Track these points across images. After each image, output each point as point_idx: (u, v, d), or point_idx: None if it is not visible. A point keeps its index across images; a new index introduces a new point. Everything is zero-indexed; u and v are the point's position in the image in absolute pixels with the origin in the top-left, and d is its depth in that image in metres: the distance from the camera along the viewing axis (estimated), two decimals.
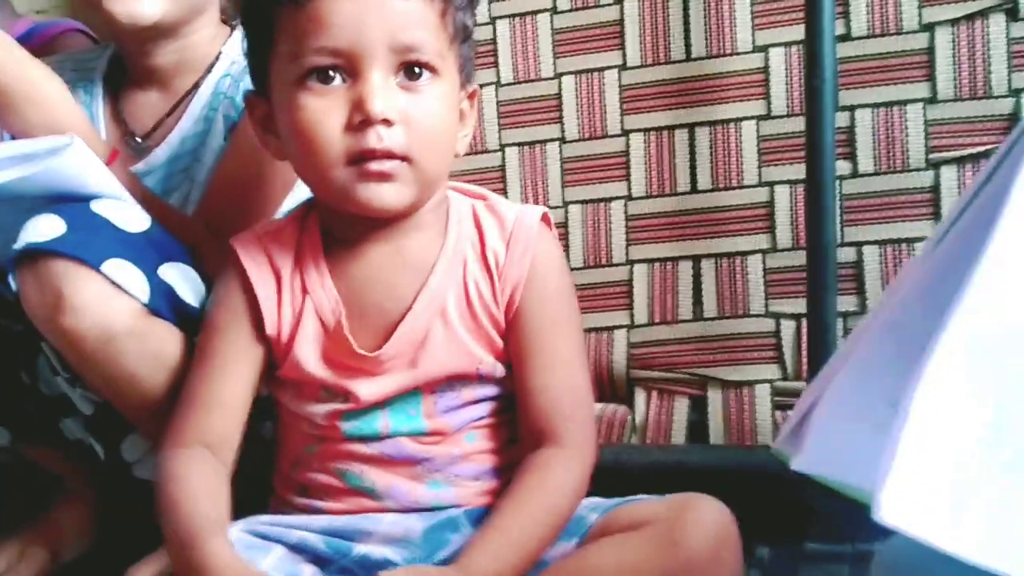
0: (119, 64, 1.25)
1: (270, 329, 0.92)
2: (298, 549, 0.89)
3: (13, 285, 0.98)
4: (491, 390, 0.93)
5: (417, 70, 0.86)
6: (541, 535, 0.84)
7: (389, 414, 0.91)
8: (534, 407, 0.90)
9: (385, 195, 0.86)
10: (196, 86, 1.21)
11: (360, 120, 0.83)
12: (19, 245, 0.95)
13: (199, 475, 0.88)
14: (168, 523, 0.85)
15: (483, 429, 0.93)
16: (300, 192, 1.12)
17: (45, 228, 0.96)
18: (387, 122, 0.84)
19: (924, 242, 0.59)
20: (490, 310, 0.91)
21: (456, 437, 0.92)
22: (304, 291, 0.92)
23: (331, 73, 0.85)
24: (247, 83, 1.18)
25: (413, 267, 0.92)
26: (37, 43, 1.44)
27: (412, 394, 0.92)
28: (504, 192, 1.38)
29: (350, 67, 0.84)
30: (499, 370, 0.92)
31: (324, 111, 0.85)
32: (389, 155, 0.84)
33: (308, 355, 0.91)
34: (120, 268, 0.96)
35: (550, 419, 0.89)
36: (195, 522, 0.83)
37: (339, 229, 0.93)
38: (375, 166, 0.85)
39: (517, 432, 0.93)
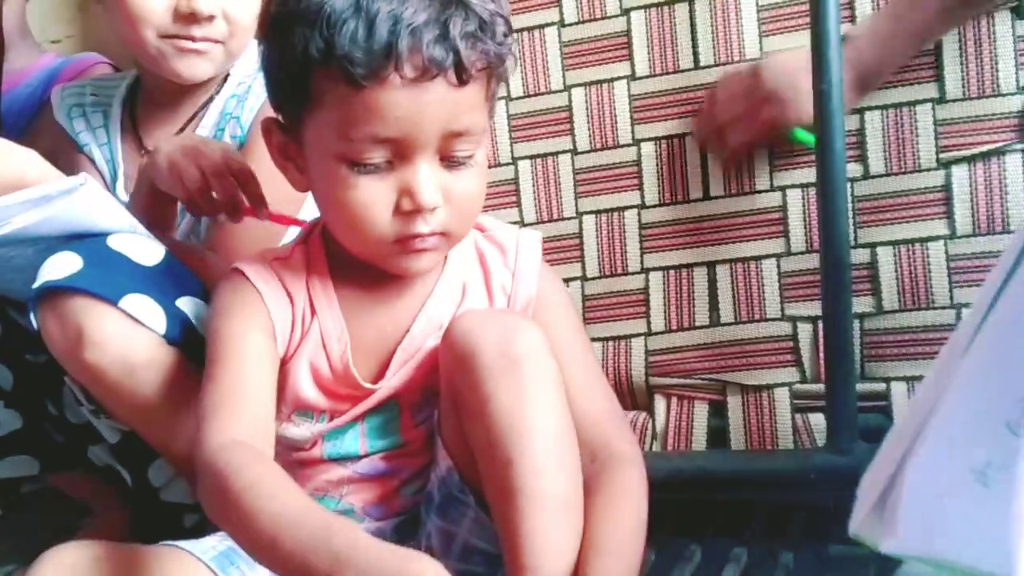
0: (139, 83, 1.28)
1: (280, 348, 0.92)
2: None
3: (35, 323, 1.00)
4: None
5: (464, 152, 0.86)
6: (641, 547, 0.82)
7: (366, 432, 0.93)
8: (583, 428, 0.88)
9: (422, 264, 0.90)
10: (205, 106, 1.23)
11: (410, 208, 0.85)
12: (38, 284, 0.97)
13: (276, 468, 0.81)
14: (276, 521, 0.74)
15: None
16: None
17: (63, 265, 0.97)
18: (434, 209, 0.85)
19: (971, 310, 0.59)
20: None
21: (426, 445, 0.93)
22: (313, 313, 0.92)
23: (378, 158, 0.84)
24: (252, 104, 1.20)
25: (414, 292, 0.94)
26: (66, 78, 1.46)
27: (390, 411, 0.93)
28: (518, 205, 1.39)
29: (399, 153, 0.84)
30: None
31: (372, 196, 0.85)
32: (432, 234, 0.87)
33: (303, 377, 0.92)
34: (138, 302, 0.98)
35: (603, 436, 0.88)
36: (318, 513, 0.75)
37: (346, 258, 0.93)
38: (419, 245, 0.87)
39: None
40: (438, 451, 0.91)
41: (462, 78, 0.82)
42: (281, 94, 0.91)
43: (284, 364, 0.92)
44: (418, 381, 0.92)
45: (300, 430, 0.93)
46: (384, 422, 0.93)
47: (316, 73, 0.83)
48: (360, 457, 0.93)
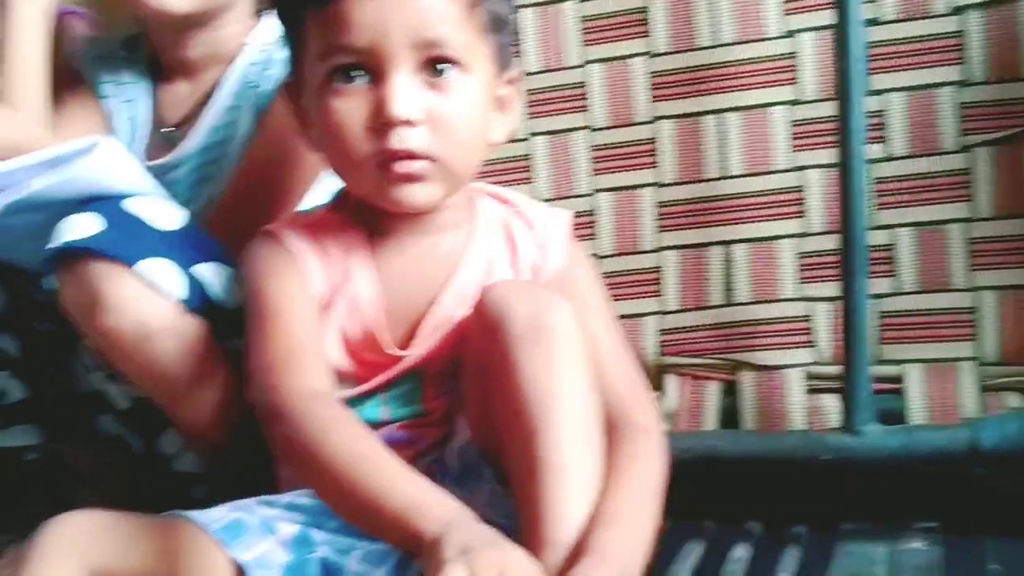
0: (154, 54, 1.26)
1: None
2: (292, 507, 0.88)
3: (50, 284, 0.98)
4: None
5: (441, 67, 0.85)
6: (653, 517, 0.82)
7: (388, 401, 0.92)
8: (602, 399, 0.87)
9: (414, 195, 0.88)
10: (223, 77, 1.21)
11: (381, 122, 0.84)
12: (57, 244, 0.95)
13: (367, 428, 0.83)
14: (379, 481, 0.77)
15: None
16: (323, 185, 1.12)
17: (82, 227, 0.96)
18: (409, 123, 0.84)
19: None
20: None
21: (446, 416, 0.93)
22: (346, 276, 0.92)
23: (353, 73, 0.85)
24: (273, 71, 1.19)
25: (444, 261, 0.93)
26: None
27: (413, 381, 0.92)
28: (531, 181, 1.38)
29: (373, 66, 0.84)
30: None
31: (348, 112, 0.85)
32: (412, 156, 0.85)
33: (331, 339, 0.91)
34: (157, 267, 0.97)
35: (621, 407, 0.88)
36: (422, 481, 0.78)
37: (376, 222, 0.93)
38: (401, 168, 0.85)
39: None
40: (458, 421, 0.90)
41: None
42: (290, 51, 0.93)
43: None
44: (445, 351, 0.91)
45: None
46: (407, 391, 0.93)
47: (306, 17, 0.87)
48: (380, 425, 0.92)
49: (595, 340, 0.89)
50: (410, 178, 0.86)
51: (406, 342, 0.92)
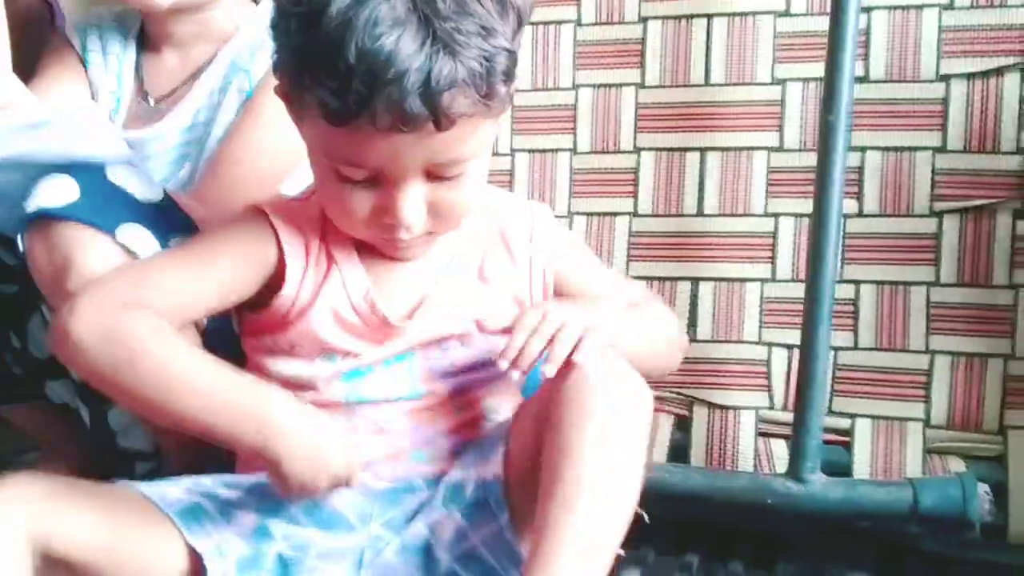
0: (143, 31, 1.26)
1: (288, 291, 0.91)
2: (254, 491, 0.89)
3: (21, 246, 0.98)
4: (480, 357, 0.94)
5: (453, 173, 0.84)
6: (659, 328, 1.02)
7: (385, 377, 0.92)
8: None
9: (412, 255, 0.92)
10: (213, 57, 1.21)
11: (389, 222, 0.84)
12: (32, 209, 0.94)
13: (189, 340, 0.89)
14: (204, 380, 0.83)
15: (469, 407, 0.94)
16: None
17: (59, 192, 0.95)
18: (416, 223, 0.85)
19: None
20: (509, 282, 0.96)
21: (447, 407, 0.93)
22: (330, 260, 0.92)
23: (359, 177, 0.83)
24: (263, 57, 1.19)
25: (432, 256, 0.94)
26: None
27: (409, 359, 0.93)
28: None
29: (380, 177, 0.83)
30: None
31: (354, 202, 0.84)
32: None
33: (325, 323, 0.91)
34: (132, 235, 0.96)
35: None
36: (241, 376, 0.85)
37: None
38: (402, 244, 0.88)
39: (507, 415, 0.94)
40: (493, 456, 0.89)
41: (441, 127, 0.78)
42: (280, 79, 0.87)
43: (303, 313, 0.91)
44: (436, 331, 0.92)
45: (320, 369, 0.92)
46: (403, 370, 0.93)
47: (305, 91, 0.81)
48: (377, 403, 0.92)
49: (604, 281, 1.02)
50: (409, 247, 0.89)
51: (401, 314, 0.93)
